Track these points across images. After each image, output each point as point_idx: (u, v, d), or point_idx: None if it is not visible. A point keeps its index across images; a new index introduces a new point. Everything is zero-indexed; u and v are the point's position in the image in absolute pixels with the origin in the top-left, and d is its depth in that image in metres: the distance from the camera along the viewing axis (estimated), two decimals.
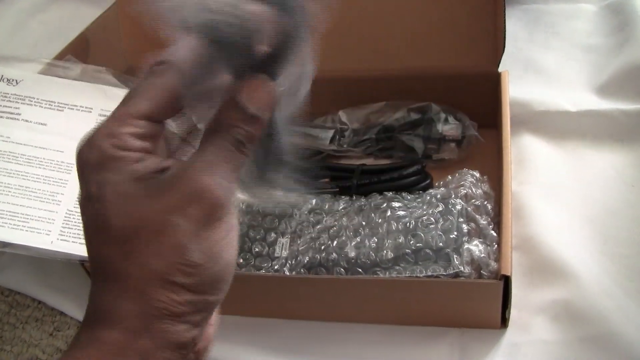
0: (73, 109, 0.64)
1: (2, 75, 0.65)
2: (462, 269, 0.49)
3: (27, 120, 0.63)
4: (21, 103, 0.64)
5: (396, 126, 0.66)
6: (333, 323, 0.55)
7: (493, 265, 0.49)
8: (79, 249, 0.55)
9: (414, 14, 0.63)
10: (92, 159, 0.27)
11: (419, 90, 0.65)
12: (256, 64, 0.28)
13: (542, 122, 0.65)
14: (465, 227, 0.52)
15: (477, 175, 0.57)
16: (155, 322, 0.27)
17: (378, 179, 0.59)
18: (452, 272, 0.49)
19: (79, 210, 0.29)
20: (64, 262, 0.59)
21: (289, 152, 0.30)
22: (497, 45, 0.59)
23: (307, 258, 0.54)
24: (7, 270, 0.66)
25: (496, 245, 0.51)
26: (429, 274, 0.50)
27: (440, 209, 0.53)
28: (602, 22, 0.75)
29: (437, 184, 0.58)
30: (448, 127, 0.63)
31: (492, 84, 0.61)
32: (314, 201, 0.58)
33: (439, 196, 0.55)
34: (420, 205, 0.55)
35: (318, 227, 0.56)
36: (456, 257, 0.50)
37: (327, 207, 0.58)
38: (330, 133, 0.67)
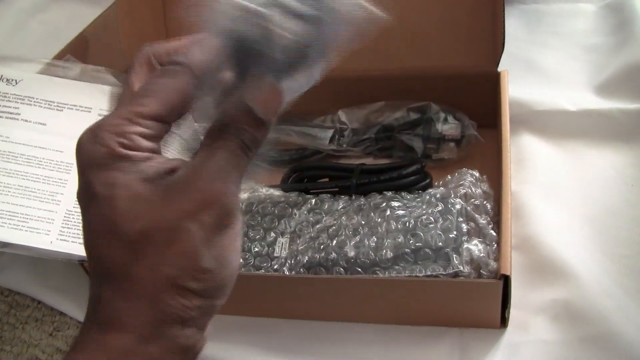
0: (72, 108, 0.64)
1: (2, 75, 0.65)
2: (461, 268, 0.49)
3: (26, 120, 0.63)
4: (21, 103, 0.64)
5: (395, 126, 0.66)
6: (332, 323, 0.55)
7: (492, 264, 0.49)
8: (79, 249, 0.55)
9: (413, 13, 0.63)
10: (97, 157, 0.27)
11: (419, 90, 0.65)
12: (270, 70, 0.28)
13: (541, 121, 0.65)
14: (464, 226, 0.52)
15: (477, 174, 0.57)
16: (165, 327, 0.27)
17: (377, 178, 0.59)
18: (451, 271, 0.49)
19: (78, 209, 0.28)
20: (63, 262, 0.59)
21: (268, 145, 0.31)
22: (496, 44, 0.59)
23: (306, 258, 0.54)
24: (7, 270, 0.66)
25: (496, 245, 0.51)
26: (429, 273, 0.50)
27: (440, 208, 0.53)
28: (601, 22, 0.75)
29: (436, 184, 0.58)
30: (447, 126, 0.63)
31: (492, 84, 0.61)
32: (313, 201, 0.58)
33: (438, 196, 0.55)
34: (420, 204, 0.55)
35: (317, 226, 0.56)
36: (456, 257, 0.50)
37: (326, 206, 0.58)
38: (330, 133, 0.67)
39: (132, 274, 0.27)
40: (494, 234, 0.51)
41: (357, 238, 0.53)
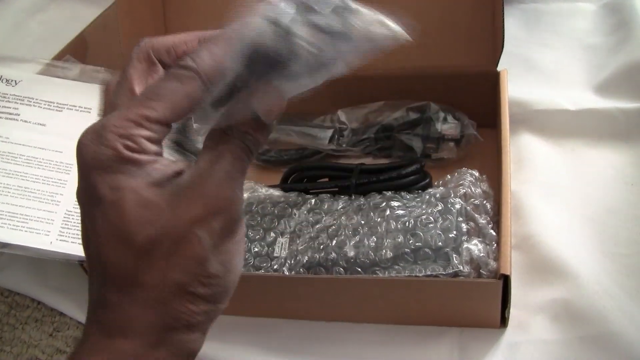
0: (72, 109, 0.64)
1: (1, 76, 0.65)
2: (461, 268, 0.49)
3: (26, 121, 0.63)
4: (20, 103, 0.64)
5: (395, 125, 0.66)
6: (332, 323, 0.55)
7: (492, 264, 0.49)
8: (78, 249, 0.55)
9: (412, 13, 0.63)
10: (102, 159, 0.26)
11: (418, 90, 0.65)
12: (281, 77, 0.28)
13: (541, 121, 0.65)
14: (464, 226, 0.52)
15: (476, 174, 0.57)
16: (173, 333, 0.27)
17: (377, 178, 0.59)
18: (451, 271, 0.49)
19: (78, 210, 0.28)
20: (63, 262, 0.59)
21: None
22: (495, 44, 0.59)
23: (306, 258, 0.54)
24: (7, 270, 0.66)
25: (495, 245, 0.50)
26: (428, 273, 0.50)
27: (440, 208, 0.53)
28: (600, 21, 0.75)
29: (436, 183, 0.58)
30: (447, 126, 0.63)
31: (491, 83, 0.61)
32: (312, 201, 0.58)
33: (438, 195, 0.55)
34: (420, 204, 0.55)
35: (317, 226, 0.56)
36: (455, 257, 0.50)
37: (326, 206, 0.58)
38: (329, 132, 0.67)
39: (142, 280, 0.27)
40: (494, 233, 0.51)
41: (357, 238, 0.53)
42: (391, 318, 0.54)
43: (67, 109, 0.64)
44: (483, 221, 0.53)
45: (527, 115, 0.66)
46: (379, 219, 0.54)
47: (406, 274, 0.50)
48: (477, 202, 0.54)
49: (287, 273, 0.54)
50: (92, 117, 0.64)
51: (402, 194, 0.56)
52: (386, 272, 0.51)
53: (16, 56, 0.68)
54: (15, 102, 0.64)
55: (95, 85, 0.66)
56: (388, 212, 0.54)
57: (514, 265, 0.50)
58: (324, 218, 0.56)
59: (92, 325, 0.28)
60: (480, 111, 0.63)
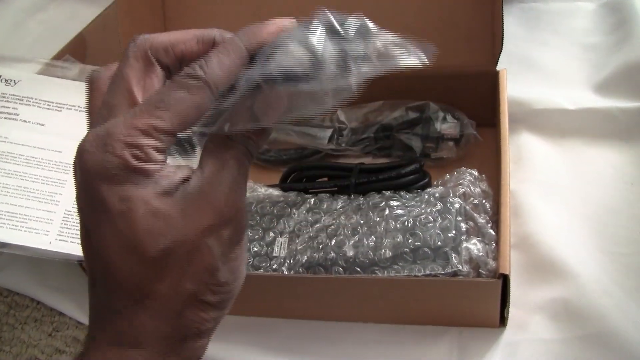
0: (71, 109, 0.64)
1: (0, 76, 0.65)
2: (460, 267, 0.49)
3: (25, 121, 0.63)
4: (19, 103, 0.64)
5: (394, 125, 0.65)
6: (332, 322, 0.55)
7: (491, 264, 0.49)
8: (78, 249, 0.55)
9: (411, 12, 0.63)
10: (108, 168, 0.26)
11: (417, 89, 0.65)
12: (289, 86, 0.28)
13: (540, 120, 0.65)
14: (463, 225, 0.52)
15: (476, 173, 0.57)
16: (184, 341, 0.28)
17: (376, 177, 0.59)
18: (450, 271, 0.49)
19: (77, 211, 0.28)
20: (62, 262, 0.59)
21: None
22: (495, 43, 0.59)
23: (305, 257, 0.54)
24: (6, 270, 0.66)
25: (495, 244, 0.50)
26: (428, 272, 0.50)
27: (439, 207, 0.53)
28: (600, 20, 0.75)
29: (435, 183, 0.58)
30: (446, 125, 0.63)
31: (491, 83, 0.61)
32: (312, 200, 0.58)
33: (437, 195, 0.55)
34: (419, 204, 0.55)
35: (316, 226, 0.56)
36: (455, 256, 0.50)
37: (325, 206, 0.58)
38: (329, 132, 0.67)
39: (154, 290, 0.27)
40: (493, 233, 0.51)
41: (356, 237, 0.53)
42: (390, 317, 0.54)
43: (67, 108, 0.64)
44: (482, 220, 0.53)
45: (527, 114, 0.65)
46: (378, 219, 0.54)
47: (405, 274, 0.50)
48: (476, 201, 0.54)
49: (286, 273, 0.54)
50: None
51: (402, 193, 0.56)
52: (385, 272, 0.51)
53: (16, 56, 0.68)
54: (15, 102, 0.64)
55: None
56: (387, 211, 0.54)
57: (513, 264, 0.50)
58: (323, 218, 0.56)
59: (98, 334, 0.28)
60: (480, 110, 0.63)
